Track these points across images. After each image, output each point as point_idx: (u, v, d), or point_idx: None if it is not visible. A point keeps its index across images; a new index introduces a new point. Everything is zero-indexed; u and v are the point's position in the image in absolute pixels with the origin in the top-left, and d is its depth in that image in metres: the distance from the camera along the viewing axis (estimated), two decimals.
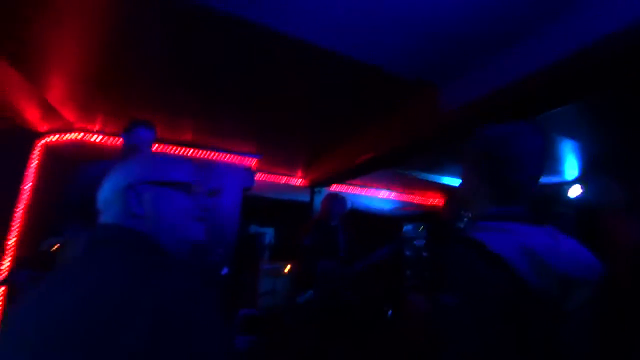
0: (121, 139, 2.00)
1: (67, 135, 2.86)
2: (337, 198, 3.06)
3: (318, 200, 4.06)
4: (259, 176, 3.97)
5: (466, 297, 0.72)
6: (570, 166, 3.02)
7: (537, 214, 0.85)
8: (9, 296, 2.44)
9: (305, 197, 4.41)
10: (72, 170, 1.95)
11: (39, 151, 2.76)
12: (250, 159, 3.52)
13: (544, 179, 3.04)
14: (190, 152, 3.27)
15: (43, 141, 2.78)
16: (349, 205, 3.12)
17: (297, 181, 4.45)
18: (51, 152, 2.81)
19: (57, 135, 2.83)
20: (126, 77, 2.07)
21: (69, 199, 1.86)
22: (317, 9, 1.33)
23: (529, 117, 1.58)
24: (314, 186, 4.36)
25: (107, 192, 0.70)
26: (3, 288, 2.43)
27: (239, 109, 2.49)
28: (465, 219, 2.15)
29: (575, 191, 3.33)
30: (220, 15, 1.36)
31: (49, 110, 2.51)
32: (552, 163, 2.91)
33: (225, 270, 3.06)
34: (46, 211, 2.43)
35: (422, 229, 4.26)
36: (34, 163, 2.72)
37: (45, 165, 2.76)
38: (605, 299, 0.78)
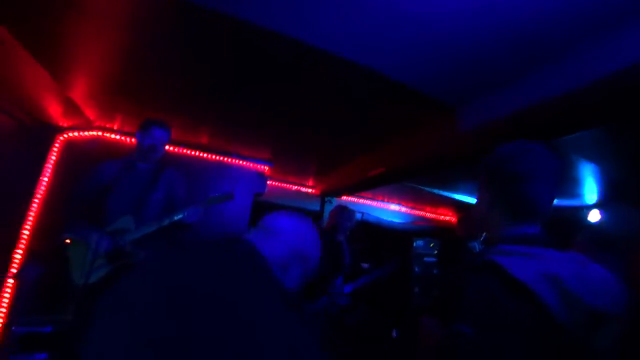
0: (135, 139, 2.01)
1: (87, 132, 2.93)
2: (345, 211, 3.01)
3: (328, 209, 4.03)
4: (270, 183, 3.97)
5: (486, 328, 0.68)
6: (590, 190, 2.92)
7: (557, 237, 0.82)
8: (18, 290, 2.47)
9: (316, 206, 4.38)
10: (87, 167, 1.98)
11: (58, 146, 2.82)
12: (262, 166, 3.52)
13: (562, 202, 2.92)
14: (204, 156, 3.30)
15: (63, 136, 2.85)
16: (358, 217, 3.06)
17: (309, 190, 4.44)
18: (70, 147, 2.87)
19: (77, 132, 2.89)
20: (148, 80, 2.10)
21: (78, 196, 1.89)
22: (343, 21, 1.32)
23: (544, 140, 1.57)
24: (325, 195, 4.33)
25: None
26: (12, 282, 2.45)
27: (256, 116, 2.50)
28: (481, 239, 2.09)
29: (595, 216, 3.21)
30: (244, 25, 1.37)
31: (71, 107, 2.56)
32: (571, 186, 2.82)
33: None
34: (62, 206, 2.47)
35: (434, 245, 4.16)
36: (53, 157, 2.78)
37: (64, 160, 2.82)
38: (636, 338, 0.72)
